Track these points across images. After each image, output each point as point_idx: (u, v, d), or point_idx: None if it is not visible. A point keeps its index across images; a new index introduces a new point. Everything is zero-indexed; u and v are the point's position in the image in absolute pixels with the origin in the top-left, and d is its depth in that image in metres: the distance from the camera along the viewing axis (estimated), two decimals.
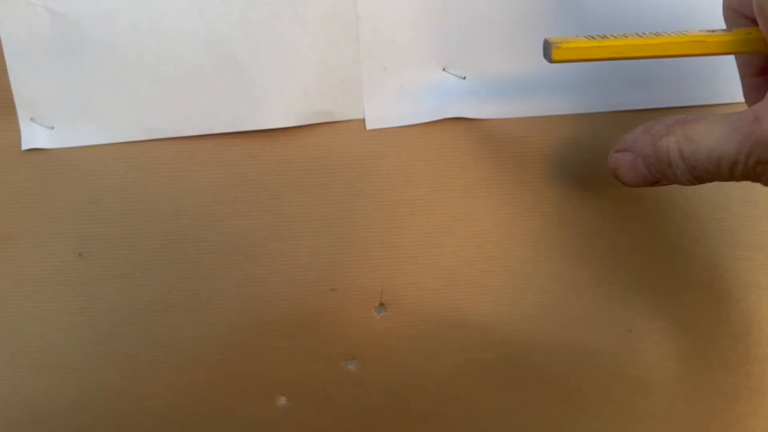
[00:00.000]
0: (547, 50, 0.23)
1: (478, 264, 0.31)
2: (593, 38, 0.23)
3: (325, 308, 0.30)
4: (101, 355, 0.29)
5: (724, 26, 0.24)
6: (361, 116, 0.29)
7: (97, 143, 0.29)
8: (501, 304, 0.31)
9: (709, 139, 0.21)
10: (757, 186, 0.22)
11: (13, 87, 0.27)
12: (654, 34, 0.23)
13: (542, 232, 0.31)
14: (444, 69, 0.29)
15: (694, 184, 0.23)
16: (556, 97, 0.29)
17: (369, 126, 0.29)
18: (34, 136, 0.28)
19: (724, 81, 0.28)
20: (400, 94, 0.29)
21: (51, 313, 0.29)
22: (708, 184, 0.23)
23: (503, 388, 0.32)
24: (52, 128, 0.28)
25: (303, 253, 0.30)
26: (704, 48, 0.23)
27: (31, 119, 0.28)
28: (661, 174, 0.23)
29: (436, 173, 0.30)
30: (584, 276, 0.31)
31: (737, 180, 0.22)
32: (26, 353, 0.29)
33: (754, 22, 0.22)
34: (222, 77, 0.27)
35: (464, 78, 0.29)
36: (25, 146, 0.28)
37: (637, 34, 0.23)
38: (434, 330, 0.31)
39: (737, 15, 0.24)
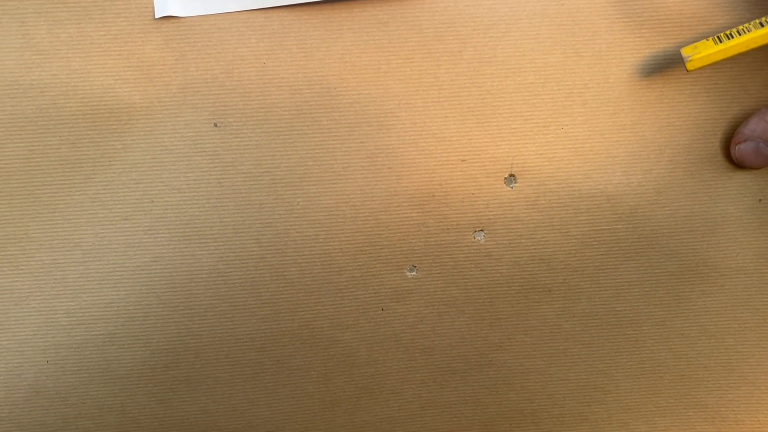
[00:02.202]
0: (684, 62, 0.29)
1: (609, 133, 0.32)
2: (719, 41, 0.29)
3: (455, 179, 0.32)
4: (238, 225, 0.31)
5: None
6: None
7: (229, 11, 0.30)
8: (632, 174, 0.32)
9: None
10: None
11: None
12: None
13: (676, 101, 0.31)
14: None
15: None
16: None
17: None
18: (166, 4, 0.29)
19: None
20: None
21: (188, 183, 0.31)
22: None
23: (631, 259, 0.33)
24: None
25: (433, 122, 0.31)
26: None
27: None
28: None
29: (569, 38, 0.31)
30: (716, 145, 0.32)
31: None
32: (164, 224, 0.31)
33: None
34: None
35: None
36: (158, 14, 0.30)
37: (760, 23, 0.28)
38: (563, 201, 0.32)
39: None
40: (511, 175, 0.32)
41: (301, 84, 0.30)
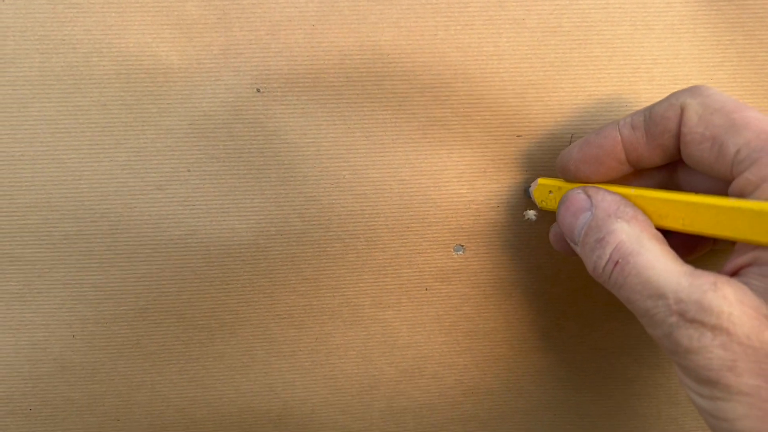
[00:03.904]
0: None
1: None
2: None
3: (509, 155, 0.32)
4: (280, 198, 0.31)
5: None
6: None
7: None
8: None
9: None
10: None
11: None
12: None
13: (755, 80, 0.31)
14: None
15: None
16: None
17: None
18: None
19: None
20: None
21: (227, 152, 0.31)
22: None
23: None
24: None
25: (490, 95, 0.31)
26: None
27: None
28: None
29: (639, 9, 0.30)
30: None
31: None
32: (201, 194, 0.31)
33: None
34: None
35: None
36: None
37: None
38: None
39: None
40: None
41: (351, 49, 0.30)
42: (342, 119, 0.30)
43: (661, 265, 0.23)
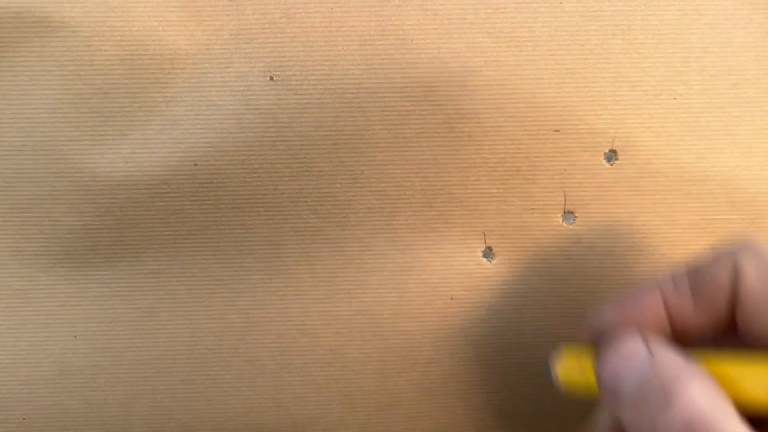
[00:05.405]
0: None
1: (729, 107, 0.30)
2: None
3: (546, 152, 0.30)
4: (294, 194, 0.30)
5: None
6: None
7: None
8: (753, 156, 0.30)
9: None
10: None
11: None
12: None
13: None
14: None
15: None
16: None
17: None
18: None
19: None
20: None
21: (237, 145, 0.29)
22: None
23: None
24: None
25: (525, 84, 0.29)
26: None
27: None
28: None
29: None
30: None
31: None
32: (210, 189, 0.30)
33: None
34: None
35: None
36: None
37: None
38: (671, 183, 0.30)
39: None
40: (612, 151, 0.30)
41: (373, 34, 0.29)
42: (361, 111, 0.29)
43: None
